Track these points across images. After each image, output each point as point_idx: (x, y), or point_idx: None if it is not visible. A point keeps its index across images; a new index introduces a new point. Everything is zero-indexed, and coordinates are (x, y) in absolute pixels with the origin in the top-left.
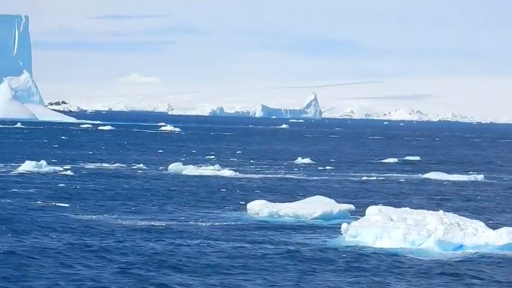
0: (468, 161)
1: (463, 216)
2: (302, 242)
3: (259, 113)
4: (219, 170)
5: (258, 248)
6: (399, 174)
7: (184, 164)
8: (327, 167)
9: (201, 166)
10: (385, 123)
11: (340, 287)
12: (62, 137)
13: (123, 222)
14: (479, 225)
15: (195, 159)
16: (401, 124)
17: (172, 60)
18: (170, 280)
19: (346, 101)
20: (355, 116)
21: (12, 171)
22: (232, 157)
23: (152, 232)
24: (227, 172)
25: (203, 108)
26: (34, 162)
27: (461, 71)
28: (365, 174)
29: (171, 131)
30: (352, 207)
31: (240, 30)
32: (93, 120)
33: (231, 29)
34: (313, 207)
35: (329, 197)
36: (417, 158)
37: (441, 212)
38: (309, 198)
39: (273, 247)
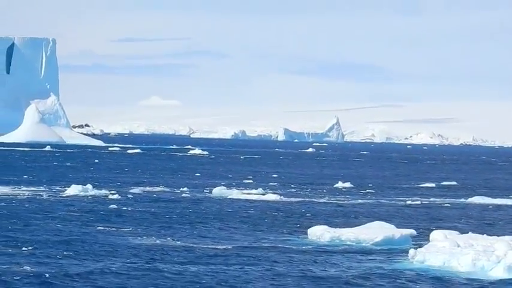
0: (506, 186)
1: None
2: (372, 266)
3: (281, 137)
4: (263, 195)
5: (331, 271)
6: (442, 199)
7: (227, 187)
8: (367, 191)
9: (243, 190)
10: (408, 146)
11: None
12: (96, 160)
13: (187, 246)
14: None
15: (236, 183)
16: (425, 148)
17: (192, 83)
18: None
19: (366, 124)
20: (376, 140)
21: (59, 195)
22: (270, 181)
23: (219, 256)
24: (272, 196)
25: (224, 132)
26: (80, 186)
27: (481, 95)
28: (408, 199)
29: (199, 154)
30: (413, 232)
31: (260, 53)
32: (118, 143)
33: (251, 52)
34: (375, 232)
35: (384, 221)
36: (454, 182)
37: (508, 237)
38: (369, 223)
39: (342, 272)
